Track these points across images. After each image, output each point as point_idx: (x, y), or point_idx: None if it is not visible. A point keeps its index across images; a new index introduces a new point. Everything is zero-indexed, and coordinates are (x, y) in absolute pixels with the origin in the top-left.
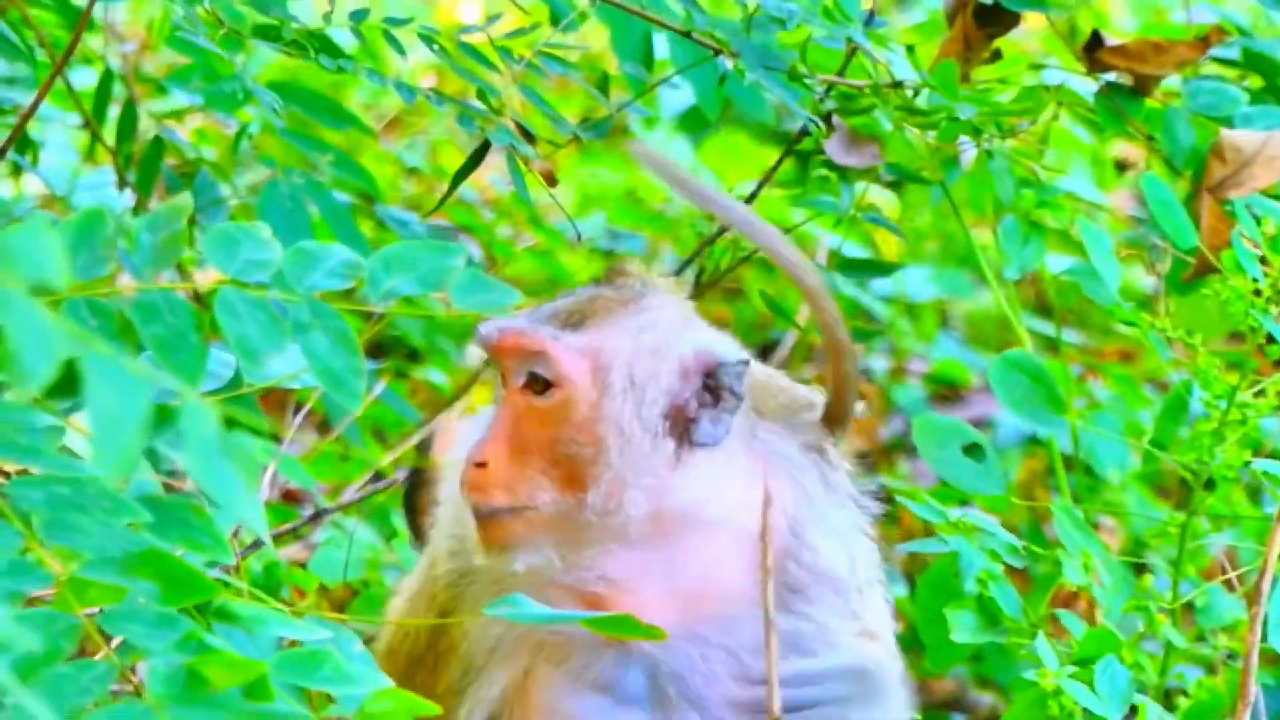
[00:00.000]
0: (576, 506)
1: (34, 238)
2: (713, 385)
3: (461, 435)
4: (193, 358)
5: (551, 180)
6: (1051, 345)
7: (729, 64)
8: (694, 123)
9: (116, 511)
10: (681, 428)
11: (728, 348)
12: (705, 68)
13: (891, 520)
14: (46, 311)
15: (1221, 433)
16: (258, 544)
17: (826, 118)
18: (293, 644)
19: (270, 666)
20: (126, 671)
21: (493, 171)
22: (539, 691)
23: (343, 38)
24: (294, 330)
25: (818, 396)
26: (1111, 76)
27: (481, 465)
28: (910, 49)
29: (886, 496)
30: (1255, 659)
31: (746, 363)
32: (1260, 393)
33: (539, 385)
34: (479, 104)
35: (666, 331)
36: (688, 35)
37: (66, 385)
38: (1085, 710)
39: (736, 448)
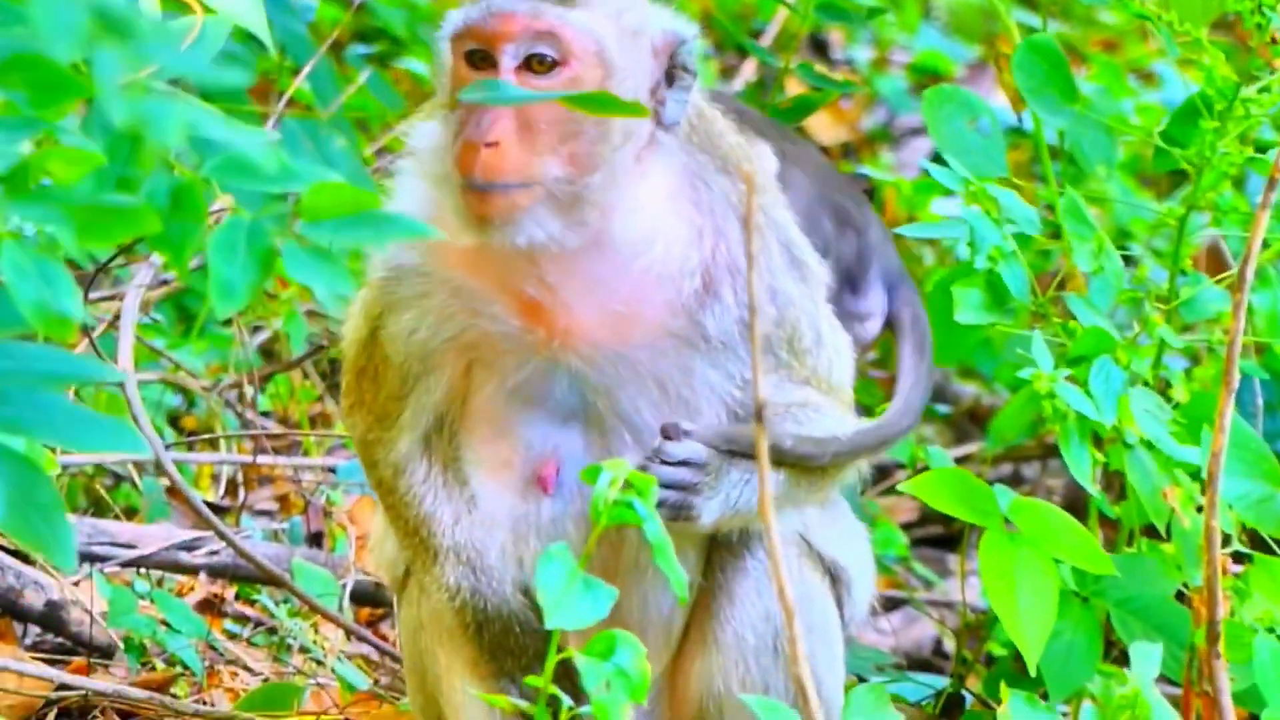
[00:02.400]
0: (580, 184)
1: None
2: (672, 65)
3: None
4: None
5: None
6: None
7: None
8: None
9: None
10: (652, 112)
11: (684, 24)
12: None
13: (877, 210)
14: None
15: (1224, 128)
16: None
17: None
18: None
19: (209, 169)
20: None
21: None
22: (478, 398)
23: None
24: None
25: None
26: None
27: (493, 145)
28: None
29: (871, 185)
30: (1239, 347)
31: (697, 36)
32: (1264, 89)
33: (544, 66)
34: None
35: (641, 12)
36: None
37: None
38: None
39: (667, 166)
